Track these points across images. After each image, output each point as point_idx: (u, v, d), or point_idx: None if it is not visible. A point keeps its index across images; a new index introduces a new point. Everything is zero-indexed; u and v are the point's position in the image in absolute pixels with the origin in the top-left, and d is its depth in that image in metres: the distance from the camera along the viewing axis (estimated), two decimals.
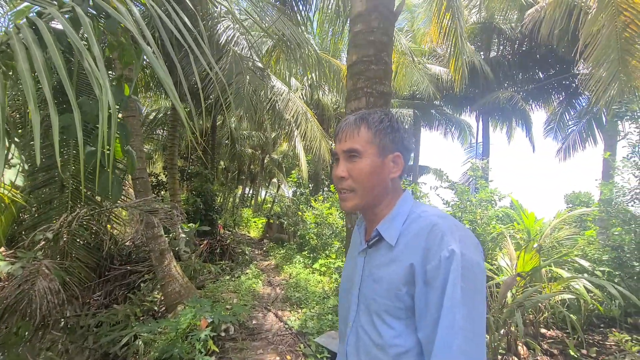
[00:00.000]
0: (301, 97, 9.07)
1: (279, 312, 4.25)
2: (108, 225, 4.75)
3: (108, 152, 1.97)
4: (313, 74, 5.36)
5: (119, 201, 4.09)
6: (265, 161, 15.92)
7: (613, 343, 3.80)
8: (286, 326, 3.80)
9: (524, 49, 11.48)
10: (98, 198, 3.99)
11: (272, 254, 8.13)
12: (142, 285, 4.67)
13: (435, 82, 10.56)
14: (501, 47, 12.22)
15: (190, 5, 1.89)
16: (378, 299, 0.77)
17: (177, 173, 7.75)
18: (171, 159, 7.32)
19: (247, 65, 5.13)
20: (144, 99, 9.44)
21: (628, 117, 4.36)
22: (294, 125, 6.32)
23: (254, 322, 3.94)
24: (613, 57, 3.79)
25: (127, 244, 5.84)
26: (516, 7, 10.21)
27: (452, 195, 5.28)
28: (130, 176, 4.39)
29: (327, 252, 6.64)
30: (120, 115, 4.07)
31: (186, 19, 1.42)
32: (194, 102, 8.90)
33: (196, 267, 5.52)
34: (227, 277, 5.62)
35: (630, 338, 3.45)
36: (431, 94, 9.35)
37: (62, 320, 3.42)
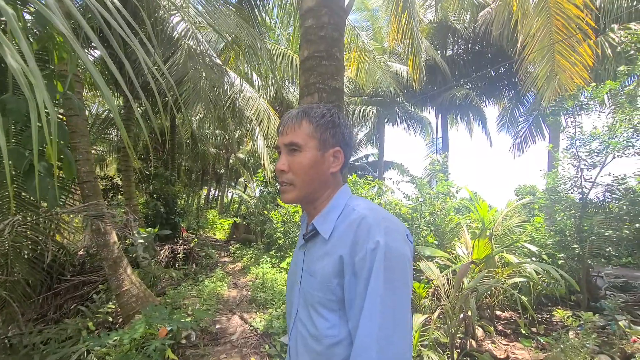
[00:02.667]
0: (264, 97, 8.93)
1: (245, 315, 4.15)
2: (58, 236, 4.38)
3: (40, 154, 1.80)
4: (271, 71, 5.28)
5: (63, 207, 3.77)
6: (231, 161, 15.52)
7: (559, 320, 4.13)
8: (251, 328, 3.72)
9: (477, 48, 12.13)
10: (44, 205, 3.66)
11: (238, 255, 7.95)
12: (95, 297, 4.36)
13: (397, 79, 10.86)
14: (456, 46, 12.83)
15: None
16: (314, 292, 0.78)
17: (133, 175, 7.32)
18: (125, 160, 6.89)
19: (204, 61, 4.93)
20: (94, 97, 8.81)
21: (563, 113, 4.76)
22: (255, 122, 6.19)
23: (217, 326, 3.81)
24: (548, 57, 4.13)
25: (80, 252, 5.44)
26: (468, 8, 10.75)
27: (412, 188, 5.46)
28: (77, 180, 4.06)
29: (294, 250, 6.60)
30: (60, 114, 3.75)
31: (125, 12, 1.31)
32: (150, 100, 8.46)
33: (156, 274, 5.26)
34: (190, 282, 5.41)
35: (571, 314, 3.77)
36: (393, 91, 9.60)
37: (4, 339, 3.11)
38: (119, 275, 3.97)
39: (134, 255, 5.52)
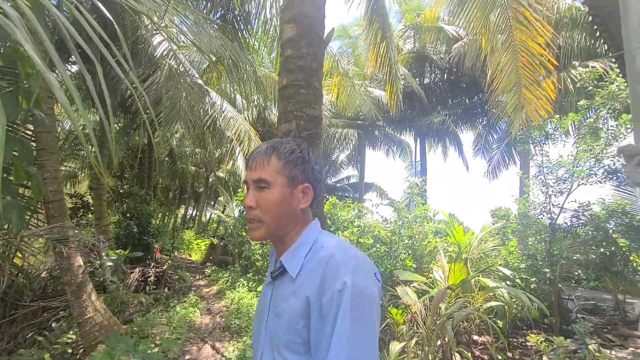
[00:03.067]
0: (246, 118, 8.96)
1: (217, 344, 3.95)
2: (18, 256, 4.08)
3: (6, 173, 1.69)
4: (255, 93, 5.33)
5: (25, 228, 3.54)
6: (211, 179, 15.24)
7: (533, 344, 4.18)
8: (223, 358, 3.54)
9: (452, 77, 12.79)
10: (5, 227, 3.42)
11: (214, 278, 7.67)
12: (54, 325, 4.05)
13: (377, 104, 11.21)
14: (433, 75, 13.50)
15: (109, 15, 1.75)
16: (280, 333, 0.76)
17: (105, 193, 7.03)
18: (97, 178, 6.63)
19: (185, 81, 4.92)
20: (70, 111, 8.52)
21: (532, 142, 5.04)
22: (236, 143, 6.17)
23: (187, 357, 3.61)
24: (515, 90, 4.42)
25: (42, 275, 5.08)
26: (443, 40, 11.42)
27: (391, 212, 5.52)
28: (42, 199, 3.85)
29: None
30: (28, 131, 3.60)
31: (100, 30, 1.29)
32: (127, 117, 8.29)
33: (124, 299, 4.96)
34: (161, 308, 5.13)
35: (544, 339, 3.82)
36: (373, 115, 9.88)
37: None
38: (82, 301, 3.72)
39: (101, 279, 5.21)
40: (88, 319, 3.74)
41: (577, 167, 4.74)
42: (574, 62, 7.29)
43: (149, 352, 3.04)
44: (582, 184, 4.76)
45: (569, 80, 7.63)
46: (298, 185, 0.82)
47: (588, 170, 4.68)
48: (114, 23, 1.67)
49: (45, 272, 5.16)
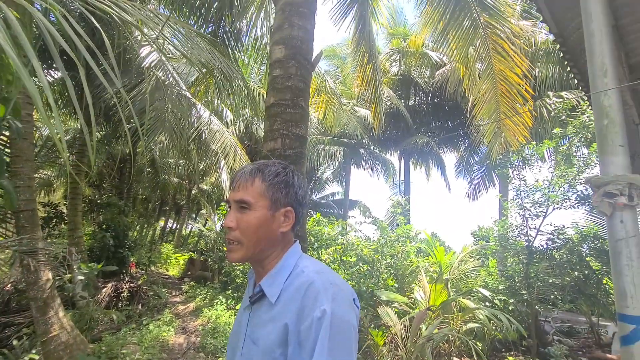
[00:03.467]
0: (234, 132, 8.94)
1: None
2: None
3: None
4: (244, 107, 5.34)
5: None
6: (193, 192, 14.95)
7: None
8: None
9: (436, 100, 13.26)
10: None
11: (191, 294, 7.40)
12: (15, 342, 3.78)
13: (363, 123, 11.46)
14: (417, 98, 13.96)
15: (96, 24, 1.74)
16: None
17: (81, 203, 6.77)
18: (74, 187, 6.39)
19: (172, 92, 4.90)
20: (49, 119, 8.27)
21: (510, 166, 5.25)
22: (221, 156, 6.12)
23: None
24: (494, 116, 4.65)
25: (7, 288, 4.78)
26: (427, 65, 11.89)
27: (374, 230, 5.55)
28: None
29: None
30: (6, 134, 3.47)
31: (86, 37, 1.28)
32: (109, 125, 8.11)
33: (94, 316, 4.70)
34: (133, 326, 4.88)
35: None
36: (359, 134, 10.06)
37: None
38: (47, 318, 3.51)
39: (71, 294, 4.95)
40: (53, 337, 3.52)
41: (552, 191, 4.93)
42: (548, 92, 7.72)
43: None
44: (557, 208, 4.95)
45: (544, 108, 8.05)
46: (280, 208, 0.82)
47: (562, 195, 4.88)
48: (102, 32, 1.66)
49: (9, 285, 4.86)
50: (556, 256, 5.09)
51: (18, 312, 4.39)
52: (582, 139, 4.82)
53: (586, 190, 4.85)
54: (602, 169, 1.30)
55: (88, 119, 6.49)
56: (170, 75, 4.94)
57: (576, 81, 2.79)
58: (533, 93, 4.95)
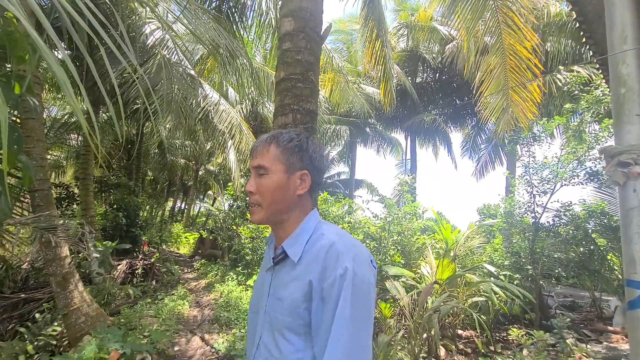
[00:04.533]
0: (240, 111, 8.88)
1: (206, 335, 3.96)
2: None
3: None
4: (250, 86, 5.29)
5: (10, 217, 3.45)
6: (200, 172, 15.08)
7: (514, 338, 4.33)
8: (212, 350, 3.56)
9: (444, 77, 12.94)
10: None
11: (203, 272, 7.63)
12: (37, 316, 3.97)
13: (369, 101, 11.28)
14: (425, 74, 13.62)
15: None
16: (280, 316, 0.79)
17: (92, 184, 6.89)
18: (85, 168, 6.49)
19: (177, 71, 4.85)
20: (54, 100, 8.30)
21: (519, 143, 5.19)
22: (227, 136, 6.13)
23: (176, 348, 3.61)
24: (502, 92, 4.55)
25: (24, 266, 4.97)
26: (436, 40, 11.52)
27: (381, 208, 5.60)
28: (27, 188, 3.75)
29: None
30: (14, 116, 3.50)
31: (97, 11, 1.28)
32: (116, 106, 8.11)
33: (111, 291, 4.90)
34: (149, 301, 5.09)
35: (525, 333, 3.97)
36: (365, 112, 9.94)
37: None
38: (68, 292, 3.66)
39: (87, 270, 5.14)
40: (74, 310, 3.68)
41: (560, 168, 4.90)
42: (559, 67, 7.49)
43: (137, 342, 3.04)
44: (565, 184, 4.93)
45: (554, 84, 7.83)
46: (296, 172, 0.86)
47: (571, 172, 4.85)
48: (111, 5, 1.64)
49: (26, 263, 5.05)
50: (562, 232, 5.12)
51: (36, 288, 4.58)
52: (594, 115, 4.72)
53: (595, 166, 4.81)
54: (617, 139, 1.30)
55: (93, 101, 6.50)
56: (175, 53, 4.89)
57: (590, 53, 2.71)
58: (542, 68, 4.81)
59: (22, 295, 4.38)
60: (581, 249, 4.87)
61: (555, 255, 5.02)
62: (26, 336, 3.57)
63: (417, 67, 13.32)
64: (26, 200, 3.96)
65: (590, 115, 4.71)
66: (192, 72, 5.45)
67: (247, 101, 9.73)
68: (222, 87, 8.19)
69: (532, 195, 5.17)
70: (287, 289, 0.80)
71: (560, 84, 7.56)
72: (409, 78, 12.97)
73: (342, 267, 0.72)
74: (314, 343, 0.74)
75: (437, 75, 13.16)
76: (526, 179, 5.21)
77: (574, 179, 4.86)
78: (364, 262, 0.77)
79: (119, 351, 2.81)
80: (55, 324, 3.85)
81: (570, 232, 4.97)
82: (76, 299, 3.71)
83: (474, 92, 5.68)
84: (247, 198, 0.91)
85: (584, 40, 2.52)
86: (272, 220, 0.88)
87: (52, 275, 3.66)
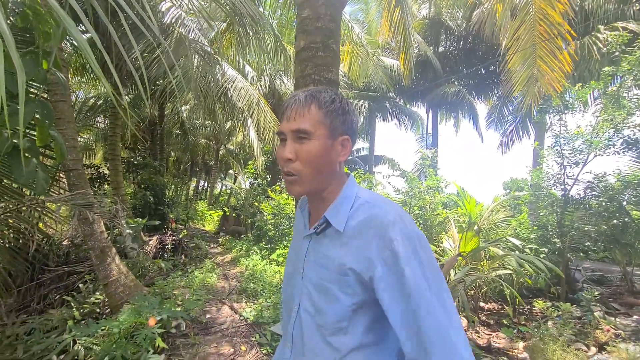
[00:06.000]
0: (259, 88, 8.83)
1: (234, 305, 4.17)
2: (40, 224, 4.28)
3: (27, 135, 1.73)
4: (272, 59, 5.19)
5: (48, 195, 3.68)
6: (221, 152, 15.36)
7: (539, 311, 4.30)
8: (241, 318, 3.75)
9: (468, 45, 12.24)
10: (28, 192, 3.56)
11: (228, 247, 7.94)
12: (81, 286, 4.30)
13: (389, 74, 10.90)
14: (448, 43, 12.92)
15: None
16: (322, 281, 0.78)
17: (120, 164, 7.18)
18: (113, 149, 6.75)
19: (195, 49, 4.84)
20: (80, 84, 8.55)
21: (550, 112, 4.90)
22: (247, 114, 6.14)
23: (207, 316, 3.83)
24: (529, 61, 4.24)
25: (64, 243, 5.33)
26: (461, 5, 10.81)
27: (402, 182, 5.54)
28: (63, 168, 3.97)
29: (285, 242, 6.64)
30: (45, 96, 3.64)
31: None
32: (136, 89, 8.27)
33: (144, 264, 5.21)
34: (179, 273, 5.38)
35: (551, 305, 3.93)
36: (386, 86, 9.63)
37: None
38: (106, 264, 3.92)
39: (122, 245, 5.46)
40: (113, 281, 3.96)
41: (595, 137, 4.62)
42: (599, 26, 6.87)
43: (172, 309, 3.25)
44: (599, 155, 4.66)
45: (593, 46, 7.21)
46: (338, 137, 0.79)
47: (606, 141, 4.56)
48: None
49: (67, 240, 5.41)
50: (594, 205, 4.91)
51: (77, 262, 4.91)
52: (637, 78, 4.35)
53: (634, 134, 4.50)
54: None
55: (115, 83, 6.63)
56: (192, 31, 4.85)
57: (637, 7, 2.46)
58: (575, 35, 4.41)
59: (66, 268, 4.71)
60: (614, 221, 4.67)
61: (585, 228, 4.84)
62: (73, 304, 3.89)
63: (440, 36, 12.64)
64: (62, 180, 4.21)
65: (632, 78, 4.35)
66: (209, 49, 5.42)
67: (265, 78, 9.64)
68: (239, 65, 8.14)
69: (562, 167, 4.94)
70: (334, 255, 0.78)
71: (600, 45, 6.93)
72: (431, 47, 12.36)
73: (401, 231, 0.70)
74: (388, 311, 0.69)
75: (461, 43, 12.45)
76: (556, 149, 4.95)
77: (610, 148, 4.58)
78: (413, 222, 0.75)
79: (156, 317, 3.02)
80: (97, 293, 4.16)
81: (603, 204, 4.75)
82: (114, 271, 3.97)
83: (501, 60, 5.34)
84: (282, 167, 0.80)
85: None
86: (314, 191, 0.81)
87: (92, 249, 3.92)
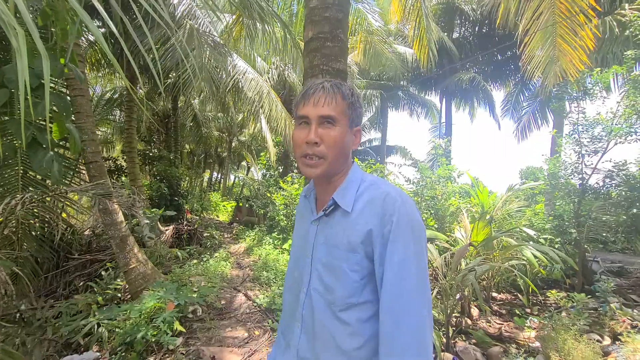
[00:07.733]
0: (268, 80, 8.84)
1: (248, 292, 4.30)
2: (64, 214, 4.48)
3: (42, 126, 1.81)
4: (282, 49, 5.19)
5: (70, 186, 3.85)
6: (233, 144, 15.53)
7: (553, 302, 4.25)
8: (255, 304, 3.87)
9: (484, 30, 11.84)
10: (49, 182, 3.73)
11: (241, 237, 8.10)
12: (103, 273, 4.51)
13: (402, 62, 10.69)
14: (463, 29, 12.53)
15: None
16: (332, 260, 0.83)
17: (137, 157, 7.38)
18: (129, 142, 6.93)
19: (206, 41, 4.88)
20: (96, 79, 8.76)
21: (567, 98, 4.73)
22: (257, 105, 6.18)
23: (222, 302, 3.96)
24: (550, 40, 4.08)
25: (86, 232, 5.57)
26: None
27: (414, 172, 5.50)
28: (83, 160, 4.12)
29: None
30: (64, 91, 3.77)
31: None
32: (152, 81, 8.41)
33: (162, 253, 5.40)
34: (195, 262, 5.55)
35: (565, 295, 3.88)
36: (398, 74, 9.46)
37: (17, 313, 3.25)
38: (126, 253, 4.09)
39: (140, 235, 5.65)
40: (133, 269, 4.13)
41: (616, 124, 4.45)
42: (624, 4, 6.49)
43: (189, 295, 3.38)
44: (620, 142, 4.49)
45: (616, 27, 6.82)
46: (354, 127, 0.88)
47: (628, 128, 4.39)
48: None
49: (88, 229, 5.64)
50: (613, 194, 4.76)
51: (99, 251, 5.12)
52: None
53: None
54: None
55: (130, 77, 6.77)
56: (203, 23, 4.88)
57: None
58: (599, 9, 4.20)
59: (88, 256, 4.93)
60: (634, 211, 4.52)
61: (604, 218, 4.71)
62: (96, 290, 4.09)
63: (454, 21, 12.27)
64: (82, 171, 4.38)
65: None
66: (220, 40, 5.45)
67: (274, 70, 9.63)
68: (250, 57, 8.15)
69: (580, 155, 4.79)
70: (342, 235, 0.83)
71: (625, 23, 6.55)
72: (445, 34, 12.03)
73: (400, 213, 0.77)
74: (380, 283, 0.78)
75: (477, 28, 12.06)
76: (574, 137, 4.80)
77: (631, 135, 4.41)
78: (414, 207, 0.82)
79: (174, 302, 3.15)
80: (118, 280, 4.35)
81: (623, 193, 4.60)
82: (133, 259, 4.14)
83: (519, 44, 5.15)
84: (301, 149, 0.84)
85: None
86: (329, 174, 0.86)
87: (112, 238, 4.08)
